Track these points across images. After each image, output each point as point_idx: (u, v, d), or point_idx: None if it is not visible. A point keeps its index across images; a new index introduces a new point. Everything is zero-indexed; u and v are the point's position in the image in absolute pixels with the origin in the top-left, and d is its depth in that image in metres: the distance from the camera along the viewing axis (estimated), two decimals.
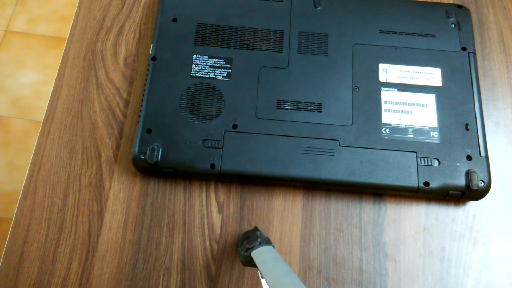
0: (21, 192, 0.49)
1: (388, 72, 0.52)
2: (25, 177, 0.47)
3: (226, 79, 0.51)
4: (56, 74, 0.55)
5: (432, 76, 0.52)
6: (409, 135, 0.49)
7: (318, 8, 0.55)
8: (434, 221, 0.49)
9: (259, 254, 0.40)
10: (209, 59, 0.52)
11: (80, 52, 0.56)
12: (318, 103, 0.50)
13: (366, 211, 0.49)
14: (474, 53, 0.53)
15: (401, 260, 0.47)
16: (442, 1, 0.59)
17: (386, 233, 0.48)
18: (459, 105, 0.50)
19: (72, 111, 0.53)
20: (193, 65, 0.52)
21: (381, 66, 0.52)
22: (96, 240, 0.47)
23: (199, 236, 0.48)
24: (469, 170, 0.47)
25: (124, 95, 0.53)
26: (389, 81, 0.52)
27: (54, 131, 0.52)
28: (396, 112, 0.50)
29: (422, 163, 0.48)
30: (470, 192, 0.47)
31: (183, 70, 0.51)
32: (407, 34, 0.54)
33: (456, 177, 0.47)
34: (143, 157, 0.47)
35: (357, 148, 0.48)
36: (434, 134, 0.49)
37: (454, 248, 0.48)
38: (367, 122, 0.49)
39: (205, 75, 0.51)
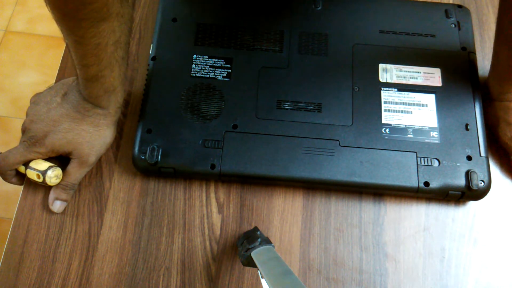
0: (21, 192, 0.49)
1: (388, 72, 0.52)
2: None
3: (226, 79, 0.51)
4: (56, 74, 0.55)
5: (432, 76, 0.52)
6: (409, 135, 0.49)
7: (318, 8, 0.55)
8: (434, 221, 0.49)
9: (259, 254, 0.40)
10: (209, 59, 0.52)
11: None
12: (318, 103, 0.50)
13: (366, 211, 0.49)
14: (474, 53, 0.53)
15: (401, 260, 0.47)
16: (442, 1, 0.59)
17: (386, 233, 0.48)
18: (459, 105, 0.50)
19: None
20: (193, 65, 0.52)
21: (381, 66, 0.52)
22: (96, 240, 0.47)
23: (199, 236, 0.48)
24: (469, 170, 0.47)
25: (124, 95, 0.53)
26: (389, 81, 0.52)
27: None
28: (396, 112, 0.50)
29: (422, 163, 0.48)
30: (470, 192, 0.47)
31: (183, 70, 0.51)
32: (407, 34, 0.54)
33: (456, 177, 0.47)
34: (143, 157, 0.47)
35: (357, 148, 0.48)
36: (434, 134, 0.49)
37: (454, 248, 0.48)
38: (367, 122, 0.49)
39: (205, 75, 0.51)
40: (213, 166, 0.47)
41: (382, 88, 0.51)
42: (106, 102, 0.45)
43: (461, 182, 0.47)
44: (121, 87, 0.46)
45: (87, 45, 0.39)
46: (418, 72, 0.52)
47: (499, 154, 0.52)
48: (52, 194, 0.47)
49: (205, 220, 0.48)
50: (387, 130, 0.49)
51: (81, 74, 0.43)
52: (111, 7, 0.37)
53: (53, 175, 0.45)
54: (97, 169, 0.50)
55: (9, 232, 0.48)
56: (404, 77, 0.52)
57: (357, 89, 0.51)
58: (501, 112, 0.51)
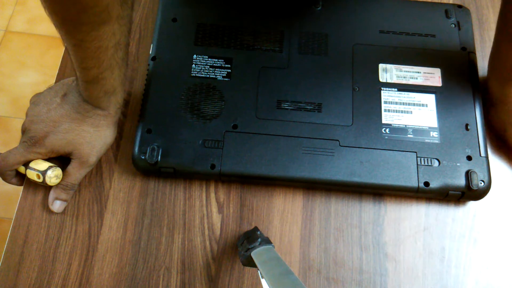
0: (21, 192, 0.49)
1: (388, 72, 0.52)
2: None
3: (226, 79, 0.51)
4: (56, 74, 0.55)
5: (432, 76, 0.52)
6: (409, 135, 0.49)
7: (318, 8, 0.55)
8: (434, 221, 0.49)
9: (259, 254, 0.40)
10: (209, 59, 0.52)
11: None
12: (318, 103, 0.50)
13: (366, 211, 0.49)
14: (474, 53, 0.53)
15: (401, 260, 0.47)
16: (442, 1, 0.59)
17: (386, 233, 0.48)
18: (459, 105, 0.50)
19: None
20: (193, 65, 0.52)
21: (381, 66, 0.52)
22: (96, 240, 0.47)
23: (199, 236, 0.48)
24: (469, 170, 0.47)
25: (124, 95, 0.53)
26: (389, 81, 0.52)
27: None
28: (396, 112, 0.50)
29: (422, 163, 0.48)
30: (470, 192, 0.47)
31: (183, 70, 0.51)
32: (407, 34, 0.54)
33: (456, 177, 0.47)
34: (143, 157, 0.47)
35: (357, 148, 0.48)
36: (434, 134, 0.49)
37: (454, 248, 0.48)
38: (367, 122, 0.49)
39: (205, 75, 0.51)
40: (213, 166, 0.47)
41: (382, 88, 0.51)
42: (106, 103, 0.45)
43: (461, 182, 0.47)
44: (121, 88, 0.46)
45: (87, 48, 0.39)
46: (418, 72, 0.52)
47: (499, 154, 0.52)
48: (52, 194, 0.47)
49: (205, 220, 0.48)
50: (387, 130, 0.49)
51: (81, 76, 0.43)
52: (111, 11, 0.37)
53: (53, 175, 0.45)
54: (97, 169, 0.50)
55: (9, 232, 0.48)
56: (404, 77, 0.52)
57: (357, 89, 0.51)
58: (505, 116, 0.50)
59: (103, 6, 0.36)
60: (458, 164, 0.48)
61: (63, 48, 0.57)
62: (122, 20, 0.39)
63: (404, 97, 0.51)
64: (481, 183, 0.47)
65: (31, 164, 0.46)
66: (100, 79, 0.42)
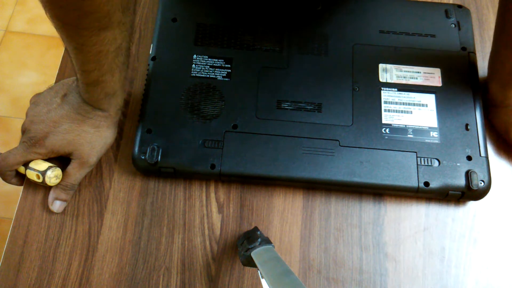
0: (21, 192, 0.49)
1: (388, 72, 0.52)
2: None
3: (226, 79, 0.51)
4: (56, 74, 0.55)
5: (432, 76, 0.52)
6: (409, 135, 0.49)
7: (318, 8, 0.55)
8: (434, 221, 0.49)
9: (259, 254, 0.40)
10: (209, 59, 0.52)
11: None
12: (318, 103, 0.50)
13: (366, 211, 0.49)
14: (474, 53, 0.53)
15: (401, 260, 0.47)
16: (442, 1, 0.59)
17: (386, 233, 0.48)
18: (459, 105, 0.50)
19: None
20: (193, 65, 0.52)
21: (381, 66, 0.52)
22: (96, 240, 0.47)
23: (199, 236, 0.48)
24: (469, 170, 0.47)
25: (124, 95, 0.53)
26: (389, 81, 0.52)
27: None
28: (396, 112, 0.50)
29: (422, 163, 0.48)
30: (470, 192, 0.47)
31: (183, 70, 0.51)
32: (407, 34, 0.54)
33: (456, 177, 0.47)
34: (143, 157, 0.47)
35: (357, 148, 0.48)
36: (434, 134, 0.49)
37: (454, 248, 0.48)
38: (367, 122, 0.49)
39: (205, 75, 0.51)
40: (213, 166, 0.47)
41: (382, 88, 0.51)
42: (107, 105, 0.45)
43: (461, 182, 0.47)
44: (122, 90, 0.46)
45: (88, 52, 0.39)
46: (418, 72, 0.52)
47: (499, 154, 0.52)
48: (51, 194, 0.47)
49: (205, 220, 0.48)
50: (387, 130, 0.49)
51: (81, 78, 0.42)
52: (112, 16, 0.37)
53: (53, 176, 0.45)
54: (97, 169, 0.50)
55: (9, 232, 0.48)
56: (404, 77, 0.52)
57: (357, 89, 0.51)
58: (507, 116, 0.50)
59: (104, 12, 0.36)
60: (458, 164, 0.48)
61: (63, 48, 0.57)
62: (124, 26, 0.39)
63: (404, 97, 0.51)
64: (481, 183, 0.47)
65: (31, 164, 0.46)
66: (101, 82, 0.42)
